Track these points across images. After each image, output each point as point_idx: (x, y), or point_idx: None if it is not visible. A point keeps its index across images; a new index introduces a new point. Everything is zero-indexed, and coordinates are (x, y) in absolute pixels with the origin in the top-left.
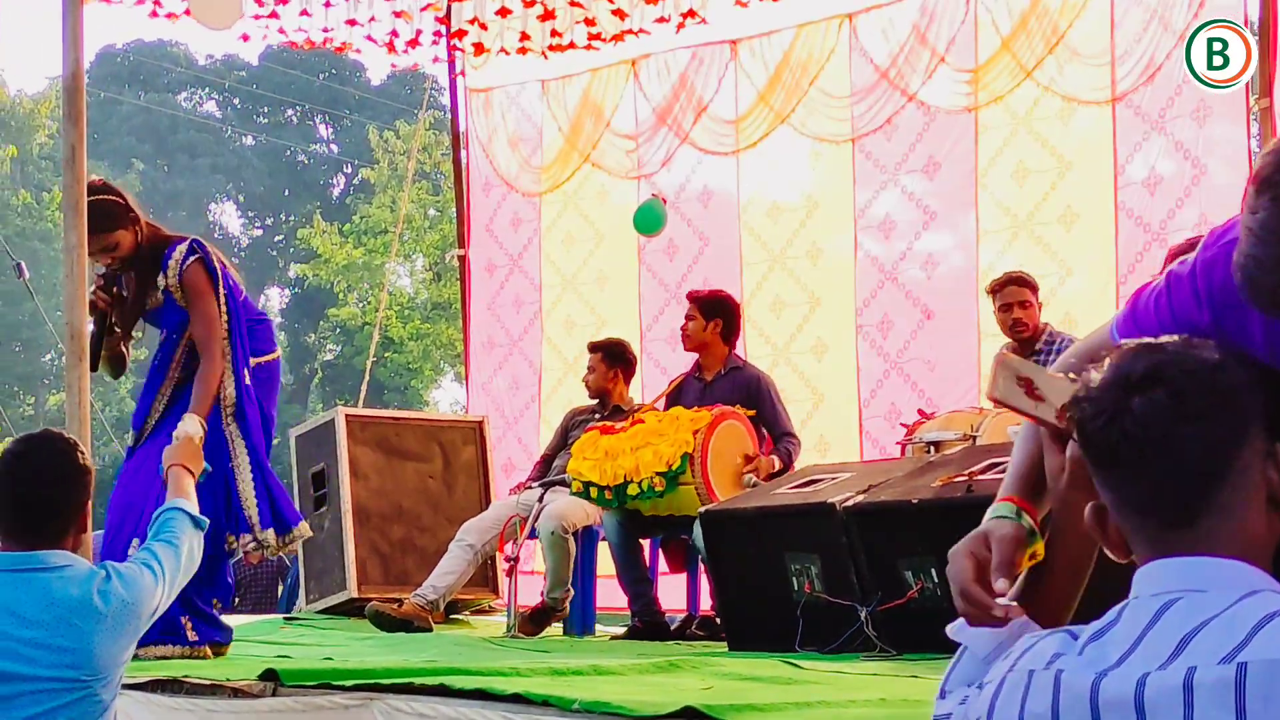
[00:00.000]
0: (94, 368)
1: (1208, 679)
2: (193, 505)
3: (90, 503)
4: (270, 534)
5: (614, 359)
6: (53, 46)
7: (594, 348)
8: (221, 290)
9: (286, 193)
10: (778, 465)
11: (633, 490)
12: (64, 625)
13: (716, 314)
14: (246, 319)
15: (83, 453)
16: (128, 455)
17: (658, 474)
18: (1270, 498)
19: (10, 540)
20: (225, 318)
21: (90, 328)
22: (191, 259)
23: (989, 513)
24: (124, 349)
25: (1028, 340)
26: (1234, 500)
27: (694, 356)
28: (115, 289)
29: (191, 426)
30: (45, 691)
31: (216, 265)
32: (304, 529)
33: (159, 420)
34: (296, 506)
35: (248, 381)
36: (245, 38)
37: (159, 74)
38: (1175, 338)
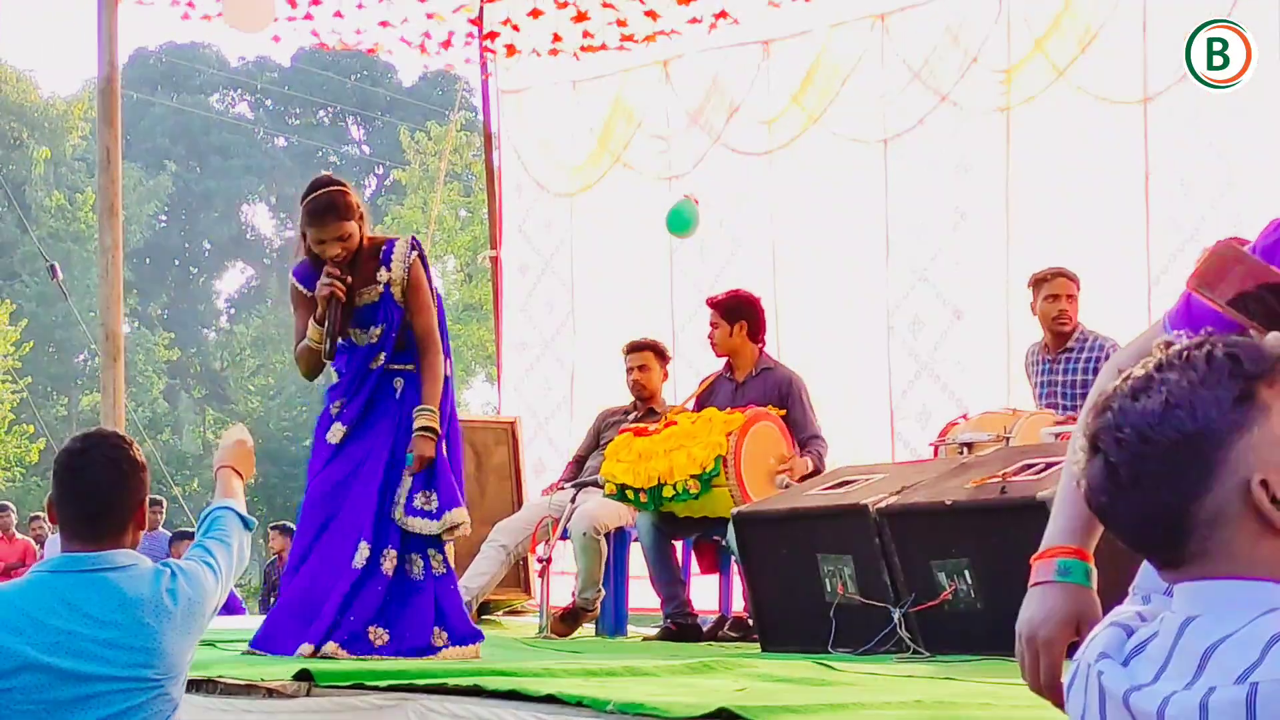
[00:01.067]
0: (329, 357)
1: (1223, 700)
2: (241, 506)
3: (147, 499)
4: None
5: (663, 358)
6: (85, 49)
7: (642, 346)
8: (431, 286)
9: None
10: (811, 466)
11: (667, 493)
12: (137, 625)
13: (739, 316)
14: None
15: (138, 450)
16: (328, 455)
17: (692, 476)
18: (1271, 525)
19: (73, 540)
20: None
21: (320, 321)
22: (415, 254)
23: (1057, 566)
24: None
25: (1064, 335)
26: (1211, 546)
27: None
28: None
29: (243, 432)
30: (121, 691)
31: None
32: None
33: (368, 415)
34: None
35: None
36: (277, 39)
37: (191, 76)
38: (1155, 360)
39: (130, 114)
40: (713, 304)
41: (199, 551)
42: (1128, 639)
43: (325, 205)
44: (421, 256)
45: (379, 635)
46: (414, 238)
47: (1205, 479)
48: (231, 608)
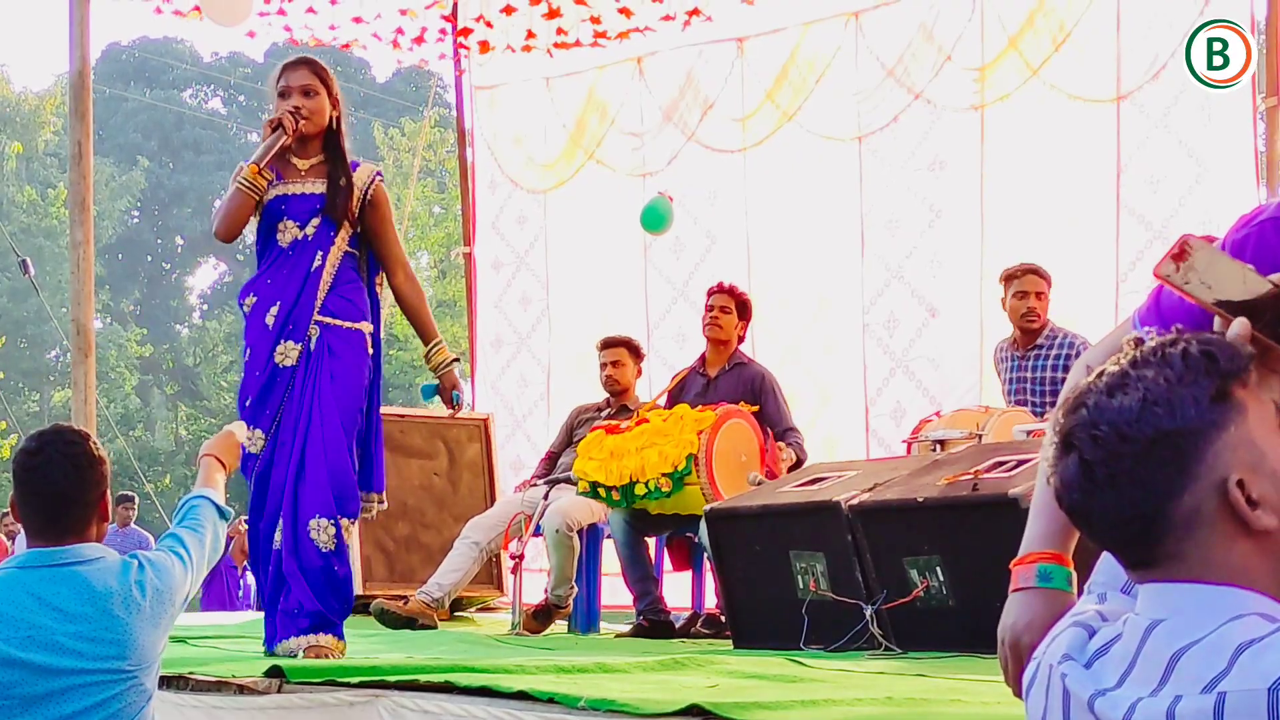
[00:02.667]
0: (259, 186)
1: (1190, 709)
2: (219, 495)
3: (108, 492)
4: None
5: (637, 355)
6: (57, 44)
7: (615, 343)
8: None
9: None
10: (794, 458)
11: (639, 490)
12: (107, 617)
13: (745, 314)
14: None
15: (95, 444)
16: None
17: (664, 475)
18: (1245, 527)
19: (35, 537)
20: None
21: (271, 145)
22: (380, 179)
23: (1037, 571)
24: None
25: (1034, 332)
26: (1186, 547)
27: (699, 351)
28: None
29: (238, 427)
30: (95, 684)
31: None
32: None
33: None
34: None
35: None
36: (252, 35)
37: (164, 71)
38: (1128, 357)
39: (103, 109)
40: (731, 291)
41: (169, 541)
42: (1089, 639)
43: (302, 59)
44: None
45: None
46: (379, 168)
47: (1182, 478)
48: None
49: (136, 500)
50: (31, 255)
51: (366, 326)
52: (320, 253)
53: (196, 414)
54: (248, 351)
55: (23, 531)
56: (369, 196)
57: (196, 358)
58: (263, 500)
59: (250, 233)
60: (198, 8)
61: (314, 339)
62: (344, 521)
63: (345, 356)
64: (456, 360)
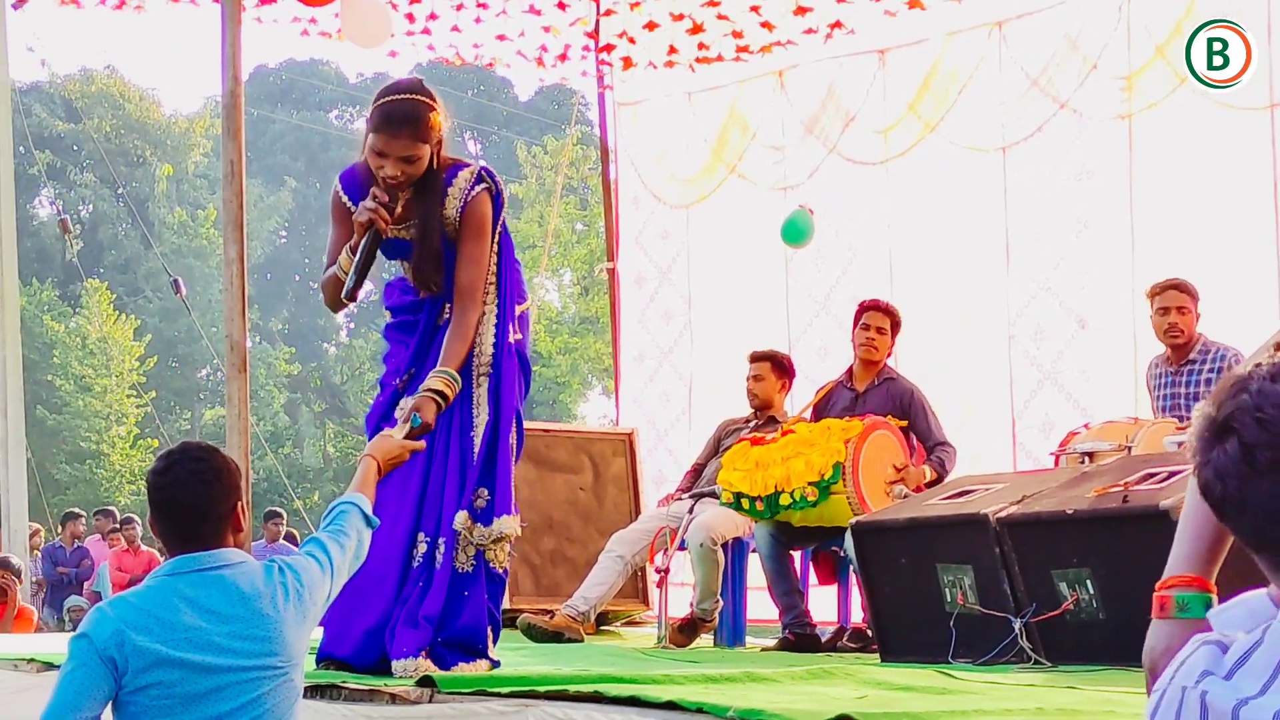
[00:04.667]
0: (350, 297)
1: None
2: (368, 502)
3: (240, 503)
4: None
5: (782, 370)
6: (206, 67)
7: (761, 357)
8: (498, 228)
9: None
10: (930, 475)
11: (784, 500)
12: (257, 616)
13: (896, 332)
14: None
15: (223, 456)
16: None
17: (810, 483)
18: None
19: (174, 553)
20: (496, 259)
21: (355, 252)
22: (480, 188)
23: (1175, 601)
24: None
25: (1182, 348)
26: None
27: (842, 365)
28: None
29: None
30: (251, 680)
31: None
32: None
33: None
34: None
35: (511, 339)
36: (394, 54)
37: (311, 92)
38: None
39: (250, 131)
40: (887, 309)
41: (311, 545)
42: (1224, 654)
43: (402, 115)
44: (492, 192)
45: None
46: (484, 168)
47: None
48: None
49: (284, 516)
50: (182, 275)
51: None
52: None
53: (344, 431)
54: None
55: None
56: (462, 215)
57: (343, 375)
58: (393, 515)
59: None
60: (339, 30)
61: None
62: (481, 535)
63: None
64: (443, 394)
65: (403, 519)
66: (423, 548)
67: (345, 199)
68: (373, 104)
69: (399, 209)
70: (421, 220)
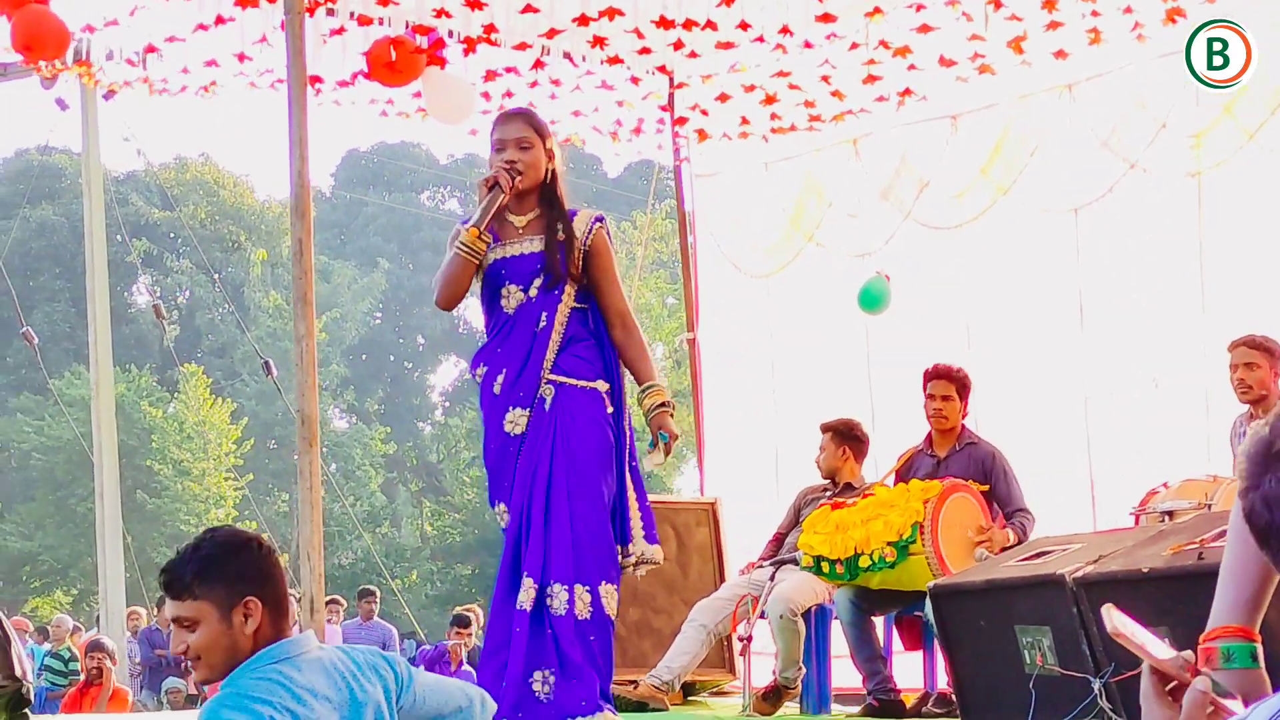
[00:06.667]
0: (481, 248)
1: None
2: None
3: (283, 586)
4: (653, 550)
5: (843, 437)
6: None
7: (825, 428)
8: None
9: None
10: (1012, 539)
11: (864, 562)
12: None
13: (965, 394)
14: None
15: (259, 541)
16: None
17: (888, 544)
18: None
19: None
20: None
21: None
22: (600, 225)
23: (1220, 653)
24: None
25: (1257, 402)
26: None
27: (925, 429)
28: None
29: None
30: None
31: None
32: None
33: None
34: None
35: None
36: (474, 132)
37: (402, 174)
38: None
39: (344, 214)
40: (949, 374)
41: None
42: None
43: (515, 111)
44: (607, 233)
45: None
46: (600, 214)
47: None
48: None
49: (378, 594)
50: (276, 359)
51: (602, 385)
52: (545, 314)
53: (441, 510)
54: (486, 425)
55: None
56: (589, 245)
57: (440, 454)
58: (512, 571)
59: (476, 327)
60: (422, 110)
61: (549, 400)
62: (605, 588)
63: (580, 417)
64: (667, 404)
65: None
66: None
67: (461, 226)
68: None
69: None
70: (548, 222)
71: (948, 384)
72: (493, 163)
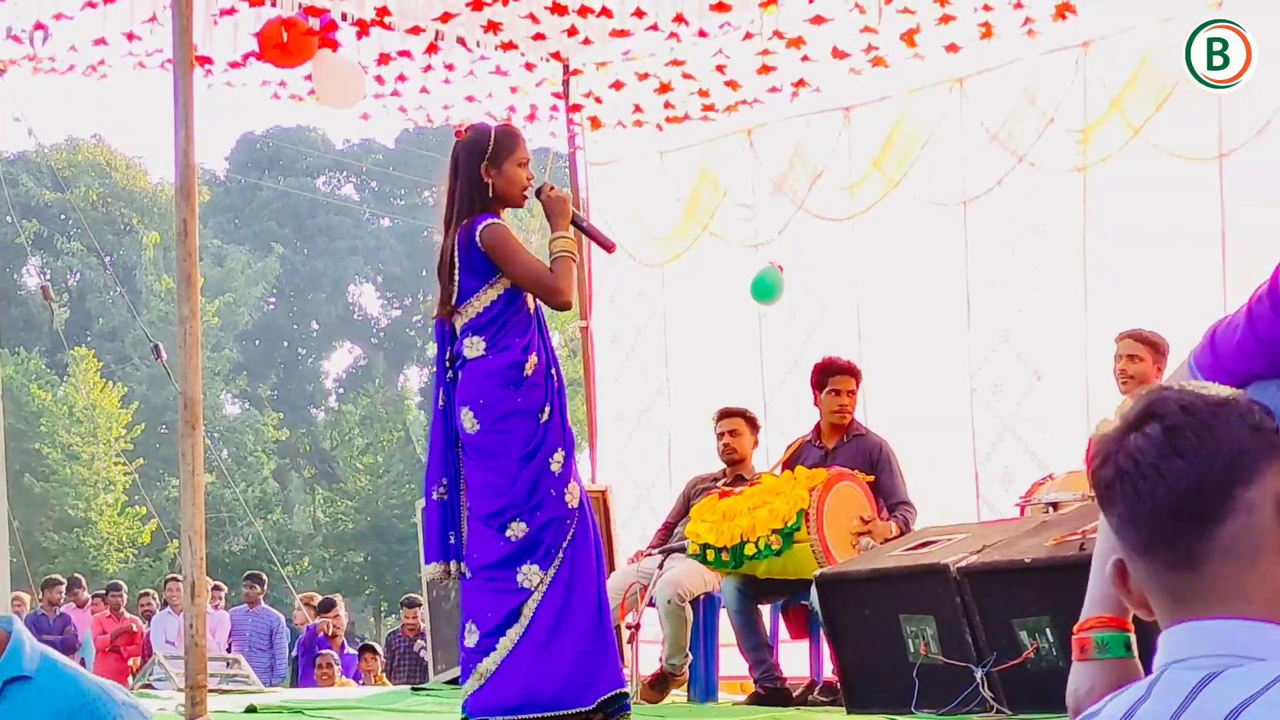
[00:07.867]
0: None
1: None
2: None
3: None
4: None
5: (754, 426)
6: (195, 134)
7: (732, 413)
8: None
9: (424, 273)
10: (894, 530)
11: (749, 550)
12: None
13: (858, 386)
14: None
15: None
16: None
17: (773, 531)
18: None
19: None
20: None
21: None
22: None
23: (1094, 642)
24: None
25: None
26: (1238, 545)
27: (814, 419)
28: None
29: None
30: None
31: None
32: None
33: None
34: None
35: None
36: (366, 117)
37: (298, 159)
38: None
39: (238, 198)
40: (850, 369)
41: None
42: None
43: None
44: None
45: None
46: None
47: (1258, 466)
48: None
49: (265, 580)
50: (167, 343)
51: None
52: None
53: (333, 496)
54: (545, 410)
55: (160, 612)
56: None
57: (333, 441)
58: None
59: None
60: (313, 91)
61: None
62: None
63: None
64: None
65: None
66: None
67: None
68: (503, 133)
69: None
70: None
71: (850, 379)
72: (523, 178)
